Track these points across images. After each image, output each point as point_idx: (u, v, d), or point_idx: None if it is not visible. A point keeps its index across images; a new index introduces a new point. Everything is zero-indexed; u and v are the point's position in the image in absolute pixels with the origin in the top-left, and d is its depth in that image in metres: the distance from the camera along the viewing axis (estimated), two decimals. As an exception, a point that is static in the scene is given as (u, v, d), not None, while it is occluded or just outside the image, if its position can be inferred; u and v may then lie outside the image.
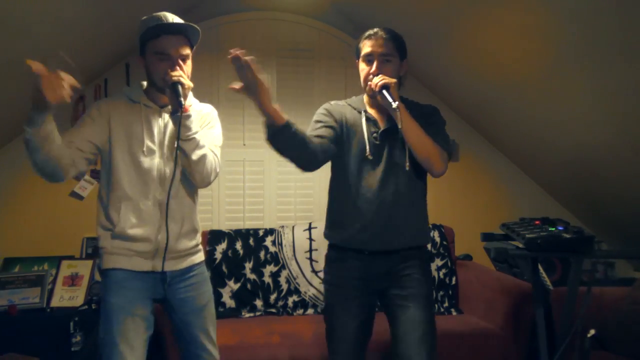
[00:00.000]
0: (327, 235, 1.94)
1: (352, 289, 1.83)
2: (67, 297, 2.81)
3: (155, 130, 1.77)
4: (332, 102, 1.94)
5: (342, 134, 1.86)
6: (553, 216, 2.38)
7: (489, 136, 3.56)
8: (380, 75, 1.77)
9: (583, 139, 2.68)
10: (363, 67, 1.85)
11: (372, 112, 1.89)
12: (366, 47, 1.83)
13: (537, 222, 2.22)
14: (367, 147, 1.82)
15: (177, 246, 1.79)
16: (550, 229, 2.09)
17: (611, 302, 2.31)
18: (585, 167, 2.87)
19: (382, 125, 1.85)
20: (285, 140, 1.65)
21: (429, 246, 3.11)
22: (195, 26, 1.75)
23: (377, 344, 2.02)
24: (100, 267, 1.77)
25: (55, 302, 2.78)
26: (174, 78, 1.68)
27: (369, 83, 1.80)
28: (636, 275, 3.23)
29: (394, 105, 1.71)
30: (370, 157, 1.81)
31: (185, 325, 1.82)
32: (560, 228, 2.09)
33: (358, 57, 1.88)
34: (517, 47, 2.44)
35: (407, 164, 1.81)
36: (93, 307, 2.71)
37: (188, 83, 1.71)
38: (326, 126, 1.84)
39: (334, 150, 1.83)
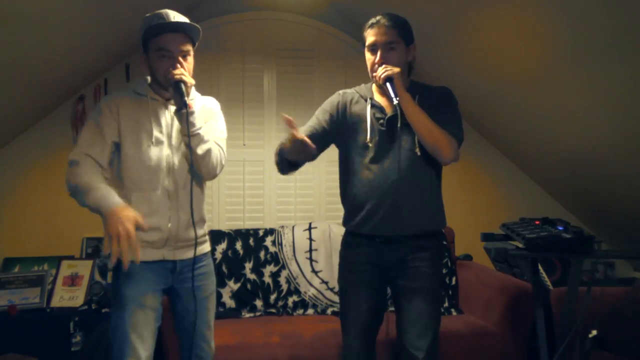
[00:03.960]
0: (343, 220, 1.95)
1: (363, 273, 1.86)
2: (67, 297, 2.81)
3: (163, 122, 1.80)
4: (341, 92, 1.96)
5: (343, 123, 1.89)
6: (553, 216, 2.38)
7: (488, 136, 3.56)
8: (383, 66, 1.77)
9: (583, 139, 2.67)
10: (369, 57, 1.85)
11: (380, 99, 1.89)
12: (370, 36, 1.83)
13: (537, 222, 2.22)
14: (369, 134, 1.83)
15: (188, 234, 1.81)
16: (550, 229, 2.09)
17: (611, 302, 2.31)
18: (585, 167, 2.87)
19: (389, 112, 1.85)
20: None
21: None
22: (196, 25, 1.77)
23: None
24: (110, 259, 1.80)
25: (55, 302, 2.78)
26: (176, 77, 1.71)
27: (374, 74, 1.81)
28: (636, 275, 3.23)
29: (395, 101, 1.74)
30: (370, 144, 1.82)
31: (188, 313, 1.85)
32: (560, 228, 2.08)
33: (364, 47, 1.87)
34: (518, 47, 2.44)
35: (417, 149, 1.81)
36: (93, 307, 2.71)
37: (190, 80, 1.74)
38: (324, 121, 1.92)
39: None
